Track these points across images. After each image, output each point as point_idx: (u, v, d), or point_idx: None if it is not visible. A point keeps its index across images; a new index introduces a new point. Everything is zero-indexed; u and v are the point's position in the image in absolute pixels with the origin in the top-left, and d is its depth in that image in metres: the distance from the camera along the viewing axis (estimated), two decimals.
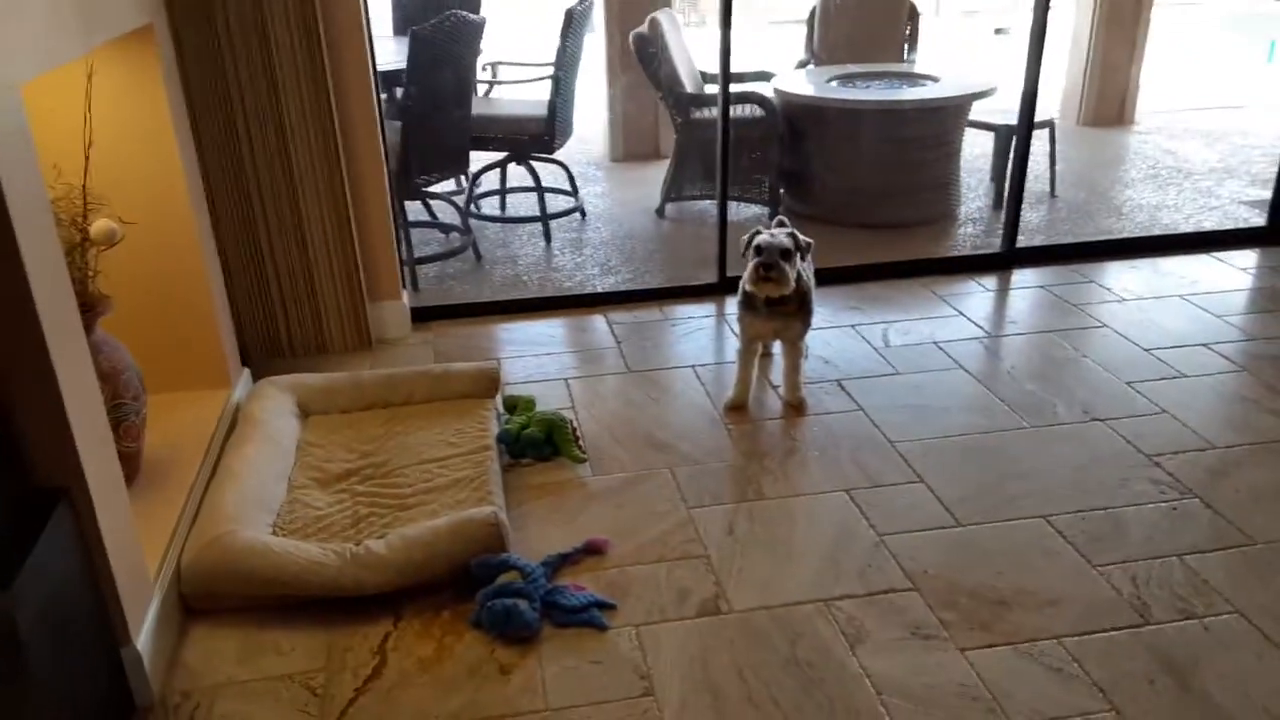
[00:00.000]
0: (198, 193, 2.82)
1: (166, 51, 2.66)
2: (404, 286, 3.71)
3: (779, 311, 2.90)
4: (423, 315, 3.80)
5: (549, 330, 3.72)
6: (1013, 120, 4.54)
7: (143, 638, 1.96)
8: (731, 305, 3.45)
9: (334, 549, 2.22)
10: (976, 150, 5.89)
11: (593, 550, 2.40)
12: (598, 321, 3.78)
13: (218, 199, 3.19)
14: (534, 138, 4.77)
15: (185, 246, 2.73)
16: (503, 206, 5.45)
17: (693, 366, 3.37)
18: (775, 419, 3.02)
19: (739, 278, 2.98)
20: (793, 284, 2.81)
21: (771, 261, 2.77)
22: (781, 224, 3.23)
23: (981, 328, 3.62)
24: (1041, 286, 4.00)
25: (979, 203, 5.40)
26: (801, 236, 2.97)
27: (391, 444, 2.75)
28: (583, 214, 5.29)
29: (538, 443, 2.78)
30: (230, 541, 2.17)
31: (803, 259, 2.90)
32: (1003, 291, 4.01)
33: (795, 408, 3.07)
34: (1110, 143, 6.59)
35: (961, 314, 3.75)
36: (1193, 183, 5.58)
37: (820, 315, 3.67)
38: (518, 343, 3.61)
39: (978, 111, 5.17)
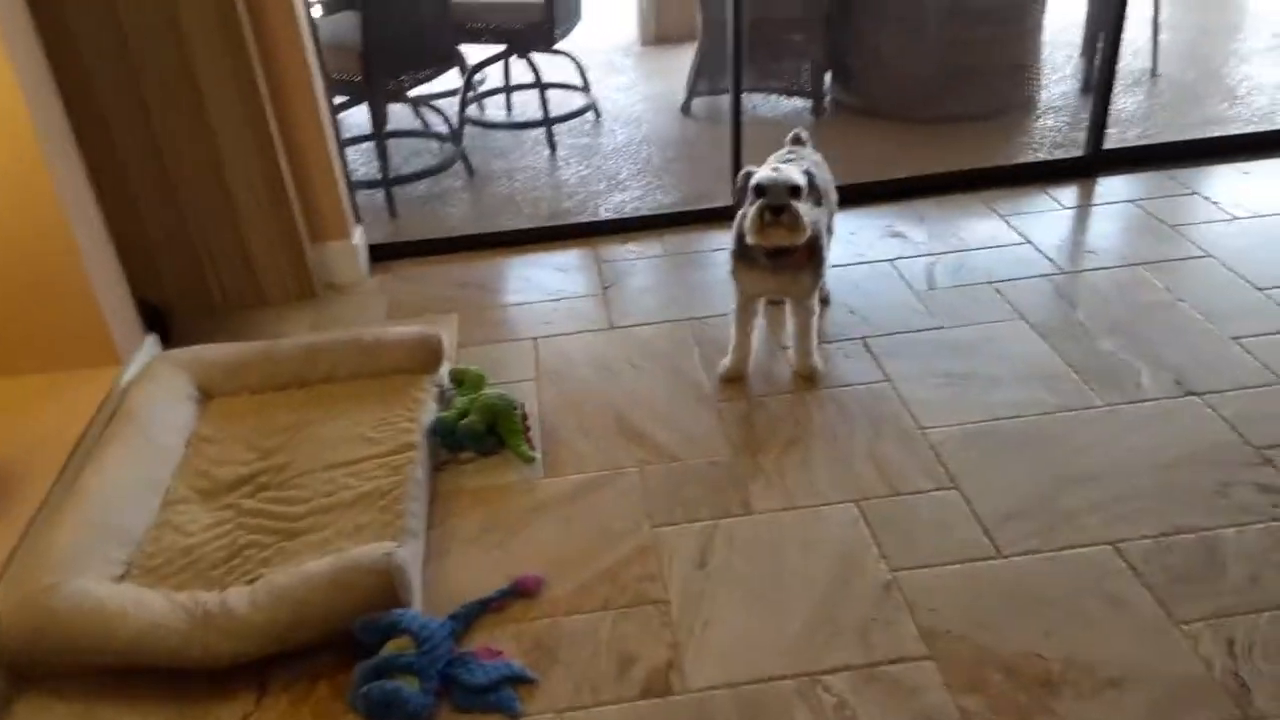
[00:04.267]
0: (54, 126, 2.28)
1: None
2: (357, 221, 3.17)
3: (783, 263, 2.29)
4: (384, 253, 3.26)
5: (527, 271, 3.16)
6: None
7: None
8: None
9: (186, 604, 1.77)
10: (1063, 21, 4.98)
11: (522, 592, 1.90)
12: (587, 258, 3.20)
13: (114, 127, 2.67)
14: (531, 27, 4.09)
15: (36, 196, 2.22)
16: (509, 107, 4.82)
17: (690, 319, 2.79)
18: (780, 394, 2.44)
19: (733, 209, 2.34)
20: (808, 229, 2.18)
21: (780, 204, 2.13)
22: (798, 140, 2.58)
23: (1052, 260, 2.93)
24: (1131, 201, 3.26)
25: (1063, 87, 4.57)
26: (815, 171, 2.33)
27: (300, 438, 2.26)
28: (597, 114, 4.63)
29: (478, 435, 2.27)
30: (50, 600, 1.73)
31: (813, 192, 2.26)
32: (1083, 209, 3.28)
33: (806, 379, 2.48)
34: (1223, 5, 5.57)
35: (1028, 241, 3.05)
36: None
37: (853, 245, 3.04)
38: (488, 288, 3.06)
39: None
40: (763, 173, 2.18)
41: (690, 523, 2.05)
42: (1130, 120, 4.07)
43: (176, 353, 2.48)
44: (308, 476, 2.14)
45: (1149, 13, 4.61)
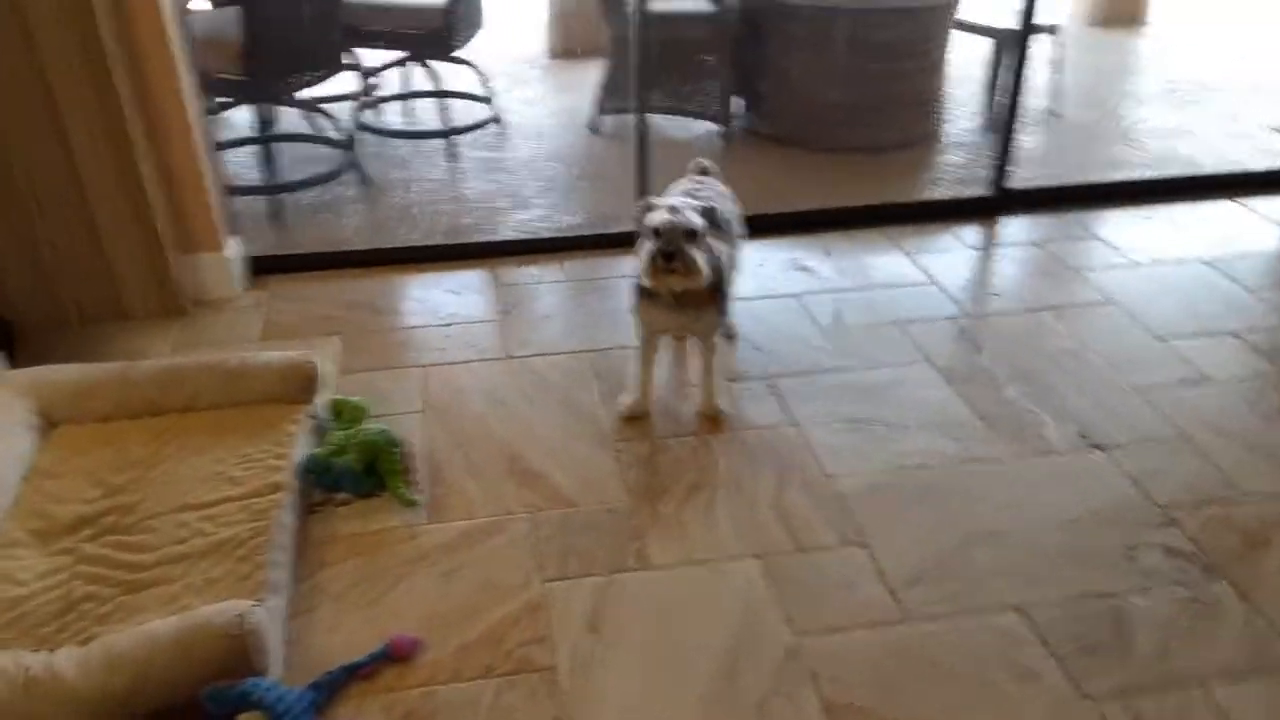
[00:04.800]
0: None
1: None
2: (230, 233, 2.93)
3: (685, 301, 2.17)
4: (264, 266, 3.03)
5: (420, 292, 2.97)
6: (1008, 24, 3.77)
7: None
8: None
9: (7, 667, 1.54)
10: (968, 55, 5.03)
11: (395, 656, 1.73)
12: (485, 280, 3.03)
13: None
14: (430, 34, 3.90)
15: None
16: (408, 115, 4.61)
17: (591, 350, 2.65)
18: (683, 435, 2.32)
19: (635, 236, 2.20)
20: (706, 274, 2.07)
21: (674, 248, 2.01)
22: (703, 170, 2.47)
23: (957, 302, 2.90)
24: (1034, 243, 3.26)
25: (966, 123, 4.60)
26: (719, 204, 2.22)
27: (153, 475, 2.04)
28: (499, 124, 4.45)
29: (356, 475, 2.08)
30: None
31: (717, 231, 2.14)
32: (987, 249, 3.27)
33: (711, 420, 2.37)
34: (1121, 49, 5.75)
35: (933, 281, 3.01)
36: (1216, 103, 4.77)
37: (759, 278, 2.95)
38: (377, 309, 2.86)
39: (969, 10, 4.32)
40: (659, 214, 2.06)
41: (583, 577, 1.90)
42: (1031, 159, 4.11)
43: (16, 374, 2.22)
44: (158, 519, 1.92)
45: (1050, 53, 4.69)
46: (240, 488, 1.98)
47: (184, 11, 2.63)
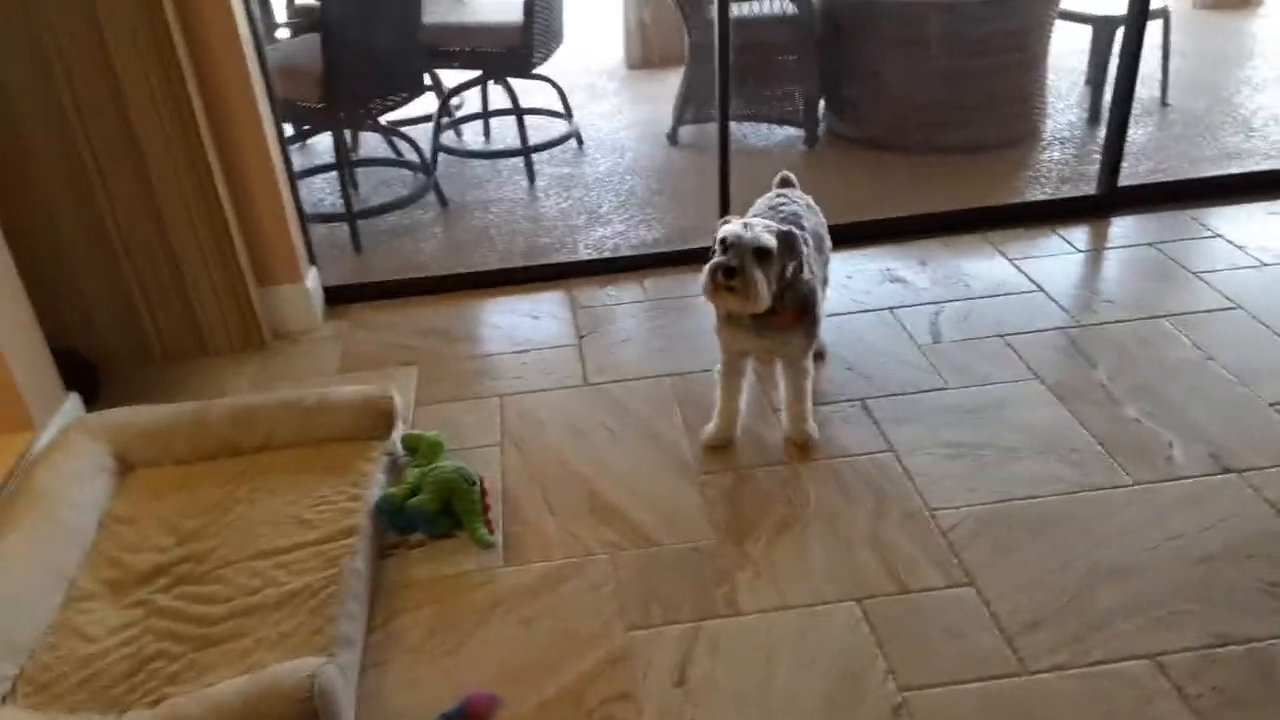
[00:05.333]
0: None
1: None
2: (309, 263, 2.91)
3: (770, 322, 2.04)
4: (342, 296, 3.00)
5: (497, 317, 2.91)
6: (1115, 8, 3.54)
7: None
8: None
9: None
10: (1065, 46, 4.77)
11: (472, 714, 1.64)
12: (563, 302, 2.95)
13: (36, 163, 2.42)
14: (508, 51, 3.85)
15: None
16: (486, 133, 4.58)
17: (672, 375, 2.53)
18: (771, 465, 2.19)
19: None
20: (766, 299, 1.93)
21: (735, 264, 1.88)
22: (786, 183, 2.33)
23: (1066, 310, 2.69)
24: (1149, 244, 3.02)
25: (1069, 116, 4.35)
26: (801, 225, 2.09)
27: (227, 520, 2.00)
28: (579, 142, 4.38)
29: (431, 515, 2.01)
30: None
31: (792, 256, 1.99)
32: (1097, 252, 3.04)
33: (800, 447, 2.23)
34: (1234, 32, 5.38)
35: (1040, 288, 2.81)
36: None
37: (849, 291, 2.80)
38: (453, 336, 2.80)
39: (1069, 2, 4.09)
40: (731, 225, 1.93)
41: (668, 625, 1.79)
42: (1142, 153, 3.85)
43: (93, 417, 2.21)
44: (232, 568, 1.87)
45: (1158, 39, 4.40)
46: (314, 532, 1.93)
47: (264, 40, 2.62)
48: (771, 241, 1.92)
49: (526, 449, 2.28)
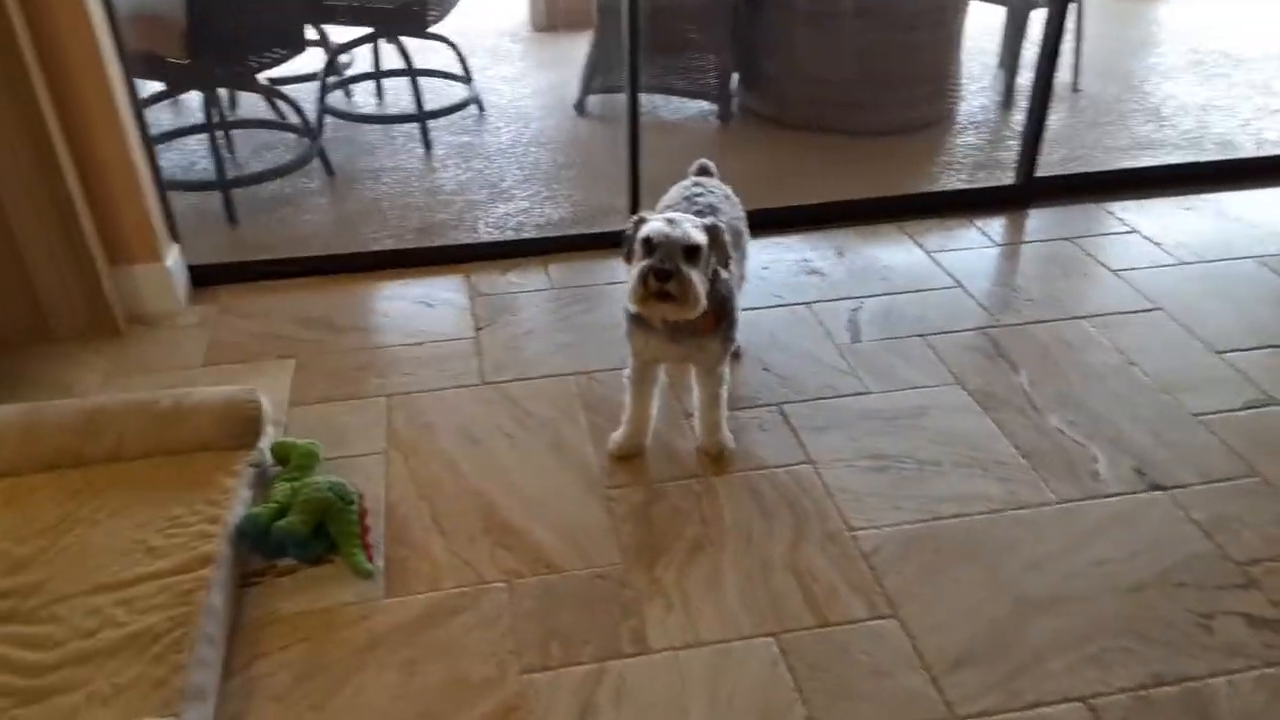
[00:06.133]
0: None
1: None
2: (171, 239, 2.61)
3: (684, 327, 1.86)
4: (212, 275, 2.71)
5: (387, 303, 2.66)
6: None
7: None
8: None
9: None
10: (976, 27, 4.69)
11: None
12: (460, 288, 2.72)
13: None
14: (401, 9, 3.55)
15: None
16: (379, 95, 4.26)
17: (578, 374, 2.34)
18: (684, 478, 2.02)
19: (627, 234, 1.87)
20: (703, 301, 1.75)
21: (669, 268, 1.70)
22: (704, 171, 2.15)
23: (987, 309, 2.60)
24: (1068, 239, 2.95)
25: (981, 100, 4.27)
26: (725, 210, 1.91)
27: (65, 544, 1.74)
28: (480, 108, 4.12)
29: (301, 540, 1.78)
30: None
31: (718, 252, 1.82)
32: (1014, 245, 2.96)
33: (714, 458, 2.07)
34: (1141, 18, 5.40)
35: (959, 284, 2.71)
36: (1246, 75, 4.44)
37: (766, 284, 2.64)
38: (336, 326, 2.55)
39: None
40: (654, 224, 1.74)
41: (569, 666, 1.61)
42: (1055, 140, 3.78)
43: None
44: (66, 604, 1.62)
45: (1070, 23, 4.35)
46: (164, 560, 1.68)
47: None
48: (702, 238, 1.74)
49: (415, 458, 2.07)
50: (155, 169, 2.51)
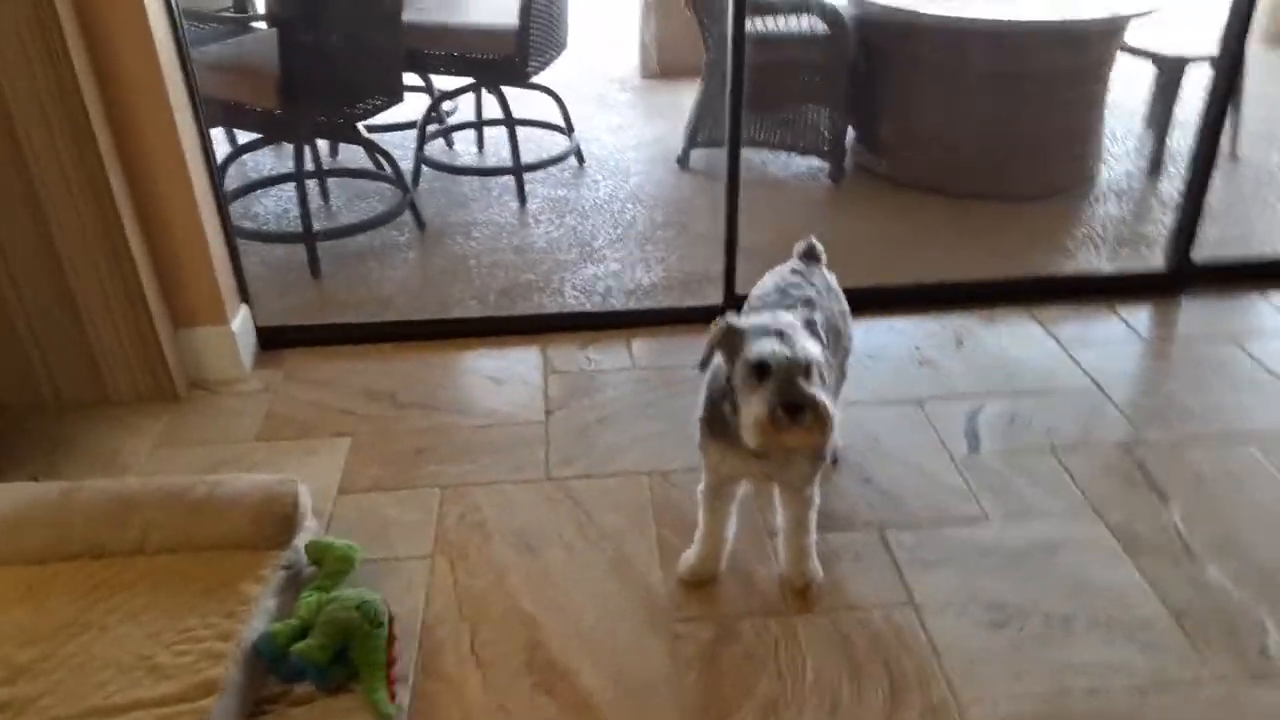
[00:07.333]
0: None
1: None
2: (240, 300, 2.48)
3: None
4: (278, 338, 2.58)
5: (457, 377, 2.48)
6: (1183, 50, 3.13)
7: None
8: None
9: None
10: (1119, 80, 4.29)
11: None
12: (535, 363, 2.51)
13: None
14: (501, 58, 3.41)
15: None
16: (480, 145, 4.14)
17: (653, 473, 2.10)
18: (761, 615, 1.75)
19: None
20: (835, 418, 1.48)
21: (801, 400, 1.43)
22: (811, 255, 1.90)
23: (1130, 419, 2.25)
24: (1231, 338, 2.56)
25: (1125, 165, 3.89)
26: (819, 309, 1.66)
27: (69, 653, 1.57)
28: (580, 159, 3.95)
29: (320, 667, 1.58)
30: None
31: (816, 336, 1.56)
32: (1164, 342, 2.59)
33: (798, 591, 1.79)
34: None
35: (1098, 385, 2.36)
36: None
37: (872, 376, 2.35)
38: (400, 401, 2.37)
39: (1132, 37, 3.63)
40: (769, 344, 1.47)
41: None
42: (1209, 215, 3.37)
43: None
44: None
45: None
46: (166, 684, 1.50)
47: (190, 36, 2.19)
48: (817, 350, 1.48)
49: (462, 566, 1.85)
50: (227, 227, 2.39)
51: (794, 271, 1.87)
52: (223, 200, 2.37)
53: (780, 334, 1.50)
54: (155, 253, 2.23)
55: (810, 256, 1.92)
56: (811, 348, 1.49)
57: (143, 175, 2.16)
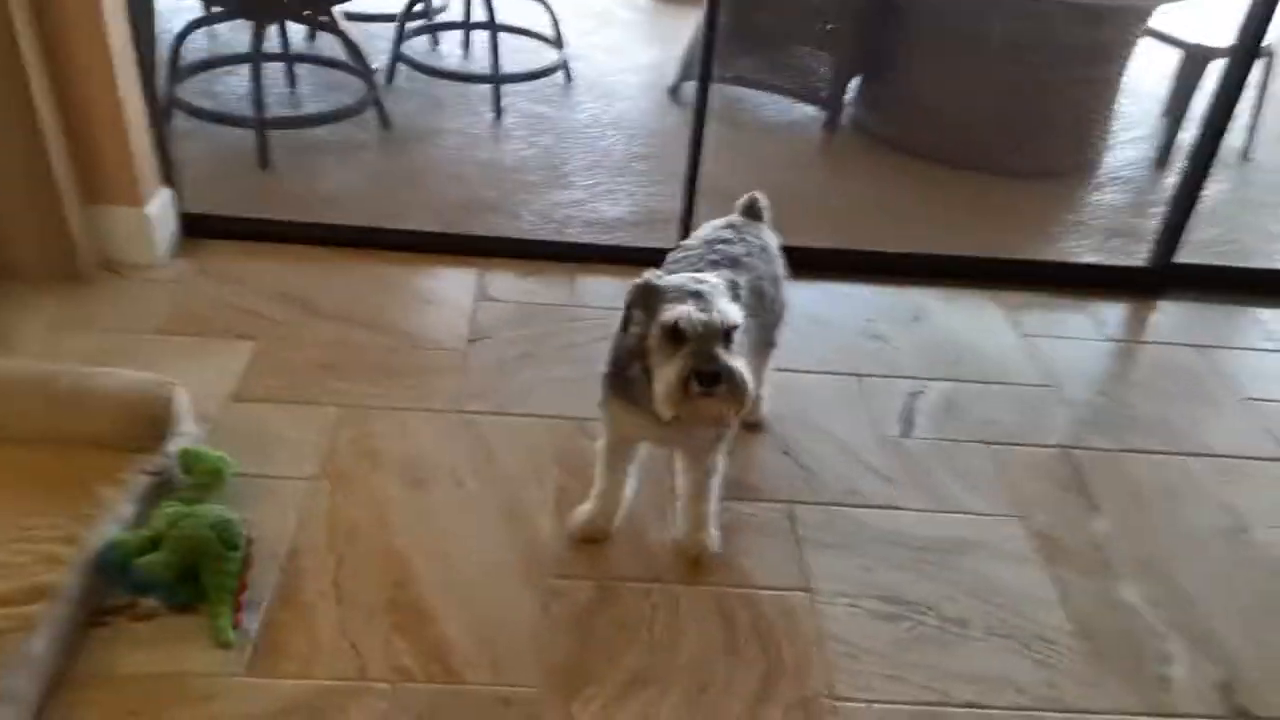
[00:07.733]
0: None
1: None
2: (165, 182, 2.34)
3: None
4: (203, 226, 2.44)
5: (381, 293, 2.35)
6: (1210, 40, 2.97)
7: None
8: None
9: None
10: (1140, 64, 4.08)
11: None
12: (470, 287, 2.39)
13: None
14: None
15: None
16: (465, 47, 3.95)
17: (565, 419, 1.98)
18: (645, 581, 1.66)
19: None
20: (753, 390, 1.37)
21: (716, 369, 1.32)
22: (752, 209, 1.77)
23: (1081, 420, 2.13)
24: (1196, 346, 2.44)
25: (1131, 151, 3.71)
26: (745, 270, 1.54)
27: None
28: (567, 76, 3.76)
29: (166, 584, 1.48)
30: None
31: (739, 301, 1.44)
32: (1130, 344, 2.47)
33: (690, 560, 1.69)
34: None
35: (1053, 382, 2.25)
36: None
37: (816, 341, 2.23)
38: (317, 308, 2.25)
39: (1160, 21, 3.44)
40: (685, 309, 1.34)
41: None
42: (1209, 216, 3.22)
43: None
44: None
45: (1255, 76, 3.73)
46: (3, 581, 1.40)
47: None
48: (738, 314, 1.37)
49: (344, 493, 1.75)
50: (153, 102, 2.24)
51: (729, 226, 1.74)
52: (149, 72, 2.21)
53: (698, 295, 1.37)
54: (67, 120, 2.09)
55: (751, 212, 1.79)
56: (731, 312, 1.37)
57: (56, 32, 2.00)
